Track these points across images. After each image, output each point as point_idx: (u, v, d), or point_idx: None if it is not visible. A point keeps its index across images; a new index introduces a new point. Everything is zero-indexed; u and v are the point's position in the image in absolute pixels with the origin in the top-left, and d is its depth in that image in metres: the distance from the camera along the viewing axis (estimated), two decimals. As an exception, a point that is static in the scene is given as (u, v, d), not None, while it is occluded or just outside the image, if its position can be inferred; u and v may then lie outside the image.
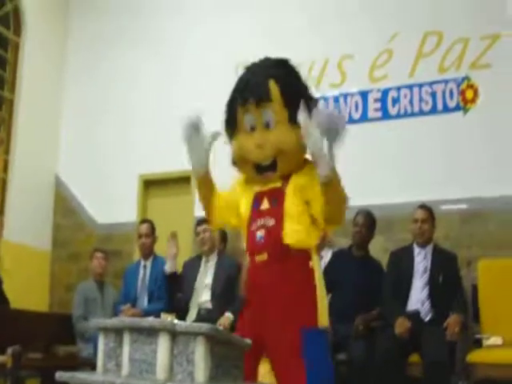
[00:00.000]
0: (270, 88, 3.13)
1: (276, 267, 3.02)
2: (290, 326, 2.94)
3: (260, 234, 3.14)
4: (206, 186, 3.38)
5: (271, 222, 3.14)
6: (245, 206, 3.28)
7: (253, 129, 3.18)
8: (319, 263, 3.20)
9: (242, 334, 2.95)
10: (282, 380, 2.92)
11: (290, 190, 3.16)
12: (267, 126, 3.14)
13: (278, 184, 3.19)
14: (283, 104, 3.13)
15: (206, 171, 3.30)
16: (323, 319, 3.01)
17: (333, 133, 2.79)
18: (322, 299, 3.05)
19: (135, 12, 8.40)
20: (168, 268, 5.43)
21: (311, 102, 3.13)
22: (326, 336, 3.07)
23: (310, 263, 3.07)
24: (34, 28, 8.27)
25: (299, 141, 3.05)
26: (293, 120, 3.05)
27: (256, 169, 3.19)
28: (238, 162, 3.27)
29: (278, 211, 3.14)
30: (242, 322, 3.21)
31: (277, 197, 3.17)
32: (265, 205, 3.20)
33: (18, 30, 8.17)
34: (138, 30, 8.30)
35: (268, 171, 3.17)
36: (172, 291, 5.54)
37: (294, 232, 3.09)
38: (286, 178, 3.18)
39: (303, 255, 3.07)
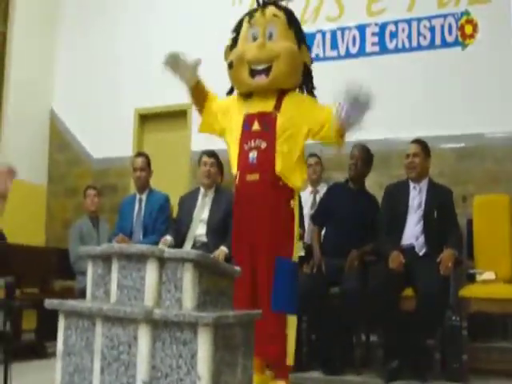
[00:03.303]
0: (278, 8, 3.49)
1: (265, 190, 3.28)
2: (270, 254, 3.31)
3: (252, 155, 3.37)
4: (198, 93, 3.67)
5: (263, 144, 3.35)
6: (235, 125, 3.51)
7: (255, 38, 3.45)
8: (298, 208, 3.54)
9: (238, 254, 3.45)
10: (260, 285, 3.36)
11: (281, 116, 3.37)
12: (270, 37, 3.41)
13: (270, 109, 3.32)
14: (288, 25, 3.45)
15: (195, 81, 3.57)
16: (295, 255, 3.45)
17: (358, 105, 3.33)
18: (297, 239, 3.47)
19: None
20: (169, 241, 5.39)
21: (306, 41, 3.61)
22: (297, 267, 3.53)
23: (292, 203, 3.41)
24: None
25: (298, 57, 3.42)
26: (297, 41, 3.45)
27: (250, 72, 3.43)
28: (236, 63, 3.49)
29: (270, 135, 3.35)
30: (237, 242, 3.53)
31: (268, 121, 3.38)
32: (255, 127, 3.45)
33: (8, -39, 8.00)
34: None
35: (261, 75, 3.39)
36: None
37: (285, 160, 3.33)
38: (277, 104, 3.32)
39: (288, 192, 3.38)
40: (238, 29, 3.60)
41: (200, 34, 7.25)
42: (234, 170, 3.53)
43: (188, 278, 2.26)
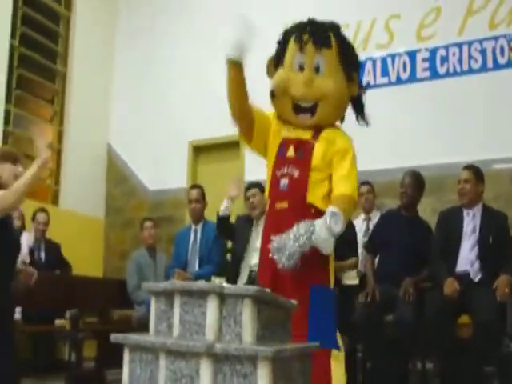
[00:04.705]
0: (330, 37, 3.19)
1: (294, 220, 2.93)
2: (301, 283, 2.96)
3: (284, 181, 3.13)
4: (240, 77, 3.33)
5: (296, 172, 3.11)
6: (271, 149, 3.26)
7: (301, 68, 3.18)
8: None
9: (262, 280, 3.12)
10: None
11: (319, 145, 3.13)
12: (317, 70, 3.16)
13: (307, 136, 3.17)
14: (338, 57, 3.19)
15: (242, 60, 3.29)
16: (331, 282, 3.12)
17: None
18: (332, 266, 3.14)
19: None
20: (222, 211, 5.52)
21: (358, 68, 3.30)
22: (333, 295, 3.14)
23: None
24: (84, 2, 8.39)
25: (346, 95, 3.17)
26: (347, 75, 3.17)
27: (294, 107, 3.18)
28: (279, 94, 3.22)
29: (304, 163, 3.12)
30: (261, 268, 3.24)
31: (304, 148, 3.15)
32: (290, 153, 3.17)
33: (69, 5, 8.32)
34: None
35: (306, 113, 3.16)
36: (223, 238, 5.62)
37: (318, 190, 3.09)
38: (316, 133, 3.16)
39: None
40: (284, 42, 3.33)
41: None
42: (266, 196, 3.31)
43: (247, 313, 2.32)
